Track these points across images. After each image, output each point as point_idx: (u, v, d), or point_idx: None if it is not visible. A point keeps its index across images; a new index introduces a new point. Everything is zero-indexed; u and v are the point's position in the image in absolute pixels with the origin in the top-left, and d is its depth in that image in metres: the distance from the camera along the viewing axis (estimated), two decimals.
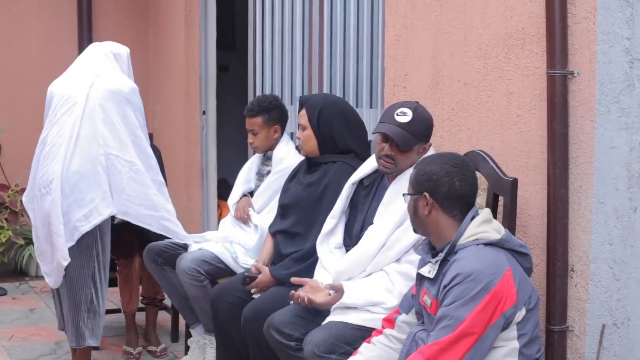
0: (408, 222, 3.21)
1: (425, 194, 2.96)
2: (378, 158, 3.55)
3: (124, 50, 4.61)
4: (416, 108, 3.50)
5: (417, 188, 3.00)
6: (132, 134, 4.33)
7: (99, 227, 4.24)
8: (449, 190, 2.95)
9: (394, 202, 3.45)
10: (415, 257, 3.26)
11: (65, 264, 4.15)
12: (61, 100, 4.34)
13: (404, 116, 3.46)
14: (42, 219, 4.27)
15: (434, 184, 2.96)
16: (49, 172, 4.22)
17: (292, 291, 3.55)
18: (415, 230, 3.09)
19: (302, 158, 4.30)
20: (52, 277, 4.28)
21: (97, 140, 4.24)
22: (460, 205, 2.96)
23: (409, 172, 3.29)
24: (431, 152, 3.50)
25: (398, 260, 3.43)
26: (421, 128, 3.47)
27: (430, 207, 2.96)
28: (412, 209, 3.02)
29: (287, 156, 4.48)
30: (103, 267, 4.30)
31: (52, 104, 4.42)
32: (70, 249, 4.17)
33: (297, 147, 4.48)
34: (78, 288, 4.23)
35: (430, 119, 3.54)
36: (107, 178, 4.24)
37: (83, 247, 4.21)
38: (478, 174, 3.46)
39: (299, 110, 4.13)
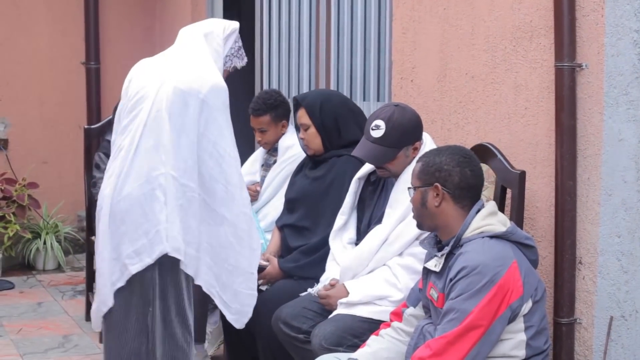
0: (410, 217, 3.21)
1: (437, 184, 2.96)
2: None
3: (219, 27, 3.58)
4: (390, 116, 3.47)
5: (427, 179, 2.99)
6: (212, 147, 3.38)
7: (158, 267, 3.35)
8: (461, 180, 2.95)
9: (399, 201, 3.45)
10: (418, 250, 3.26)
11: (105, 309, 3.39)
12: (133, 98, 3.45)
13: (378, 130, 3.47)
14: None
15: (446, 174, 2.95)
16: (103, 195, 3.43)
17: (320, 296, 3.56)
18: (420, 226, 3.07)
19: None
20: (93, 317, 3.54)
21: (159, 156, 3.33)
22: (471, 196, 2.97)
23: (410, 170, 3.30)
24: (430, 146, 3.48)
25: (400, 254, 3.44)
26: (397, 137, 3.45)
27: (441, 198, 2.96)
28: (420, 201, 3.00)
29: (294, 144, 4.47)
30: (163, 319, 3.38)
31: (126, 96, 3.51)
32: (120, 291, 3.36)
33: (302, 148, 4.42)
34: (126, 340, 3.39)
35: (409, 123, 3.48)
36: (167, 205, 3.32)
37: (136, 289, 3.37)
38: (486, 167, 3.47)
39: (296, 111, 4.08)
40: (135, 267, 3.32)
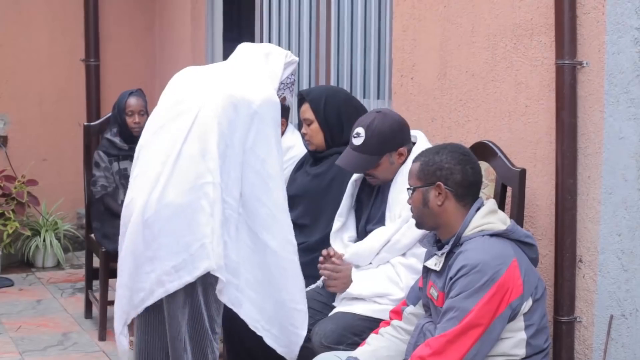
0: (412, 219, 3.20)
1: (440, 183, 2.95)
2: None
3: (282, 52, 3.44)
4: (370, 124, 3.47)
5: (427, 179, 2.97)
6: (260, 165, 3.14)
7: (201, 287, 3.10)
8: (463, 178, 2.95)
9: (398, 203, 3.44)
10: (420, 251, 3.25)
11: (125, 343, 3.21)
12: (175, 104, 3.23)
13: (358, 138, 3.48)
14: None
15: (447, 172, 2.95)
16: (135, 202, 3.14)
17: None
18: (420, 225, 3.06)
19: None
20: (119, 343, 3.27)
21: (206, 164, 3.06)
22: (472, 193, 2.96)
23: (404, 171, 3.30)
24: (424, 144, 3.47)
25: (404, 255, 3.43)
26: (377, 144, 3.45)
27: (444, 197, 2.95)
28: (421, 201, 2.99)
29: (294, 145, 4.45)
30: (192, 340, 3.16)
31: (165, 101, 3.31)
32: (148, 316, 3.17)
33: (304, 144, 4.42)
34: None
35: (389, 129, 3.46)
36: (213, 217, 3.05)
37: (177, 315, 3.11)
38: (486, 165, 3.47)
39: (300, 105, 4.06)
40: (174, 285, 3.04)
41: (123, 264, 3.16)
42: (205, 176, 3.05)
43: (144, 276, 3.08)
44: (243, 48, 3.43)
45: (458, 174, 2.95)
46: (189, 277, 3.03)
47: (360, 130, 3.49)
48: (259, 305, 3.17)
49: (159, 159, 3.11)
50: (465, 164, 2.96)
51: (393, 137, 3.48)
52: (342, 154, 3.58)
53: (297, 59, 3.48)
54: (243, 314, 3.20)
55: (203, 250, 3.02)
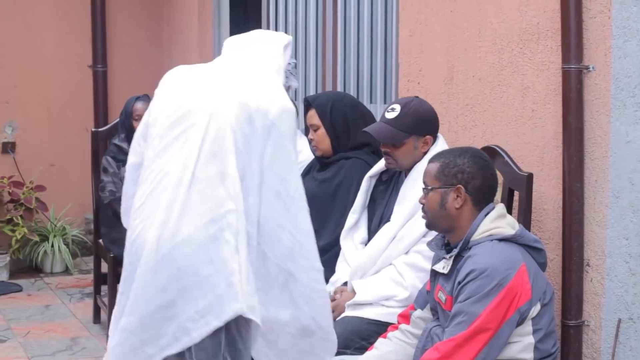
0: (418, 214, 3.20)
1: (460, 186, 2.94)
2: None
3: (275, 36, 2.98)
4: (408, 103, 3.51)
5: (447, 180, 2.96)
6: (279, 185, 2.71)
7: (226, 332, 2.66)
8: (483, 183, 2.95)
9: (407, 198, 3.45)
10: (424, 248, 3.25)
11: None
12: (174, 114, 2.76)
13: (392, 112, 3.50)
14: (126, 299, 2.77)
15: (469, 176, 2.94)
16: (143, 237, 2.69)
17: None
18: (432, 227, 3.04)
19: None
20: None
21: (227, 188, 2.64)
22: (488, 199, 2.96)
23: (420, 168, 3.30)
24: (442, 145, 3.48)
25: (407, 252, 3.44)
26: (410, 122, 3.47)
27: (463, 200, 2.94)
28: (439, 203, 2.97)
29: (301, 150, 4.45)
30: None
31: (158, 109, 2.85)
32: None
33: (311, 149, 4.43)
34: None
35: (425, 113, 3.51)
36: (239, 251, 2.63)
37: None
38: None
39: (306, 112, 4.07)
40: (200, 333, 2.61)
41: (132, 308, 2.71)
42: (226, 204, 2.63)
43: (163, 322, 2.66)
44: (233, 43, 2.97)
45: (479, 179, 2.95)
46: (216, 322, 2.61)
47: (395, 106, 3.52)
48: (269, 339, 2.79)
49: (169, 185, 2.68)
50: (487, 170, 2.97)
51: (425, 121, 3.51)
52: (370, 125, 3.59)
53: (290, 37, 3.00)
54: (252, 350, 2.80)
55: (231, 290, 2.60)
